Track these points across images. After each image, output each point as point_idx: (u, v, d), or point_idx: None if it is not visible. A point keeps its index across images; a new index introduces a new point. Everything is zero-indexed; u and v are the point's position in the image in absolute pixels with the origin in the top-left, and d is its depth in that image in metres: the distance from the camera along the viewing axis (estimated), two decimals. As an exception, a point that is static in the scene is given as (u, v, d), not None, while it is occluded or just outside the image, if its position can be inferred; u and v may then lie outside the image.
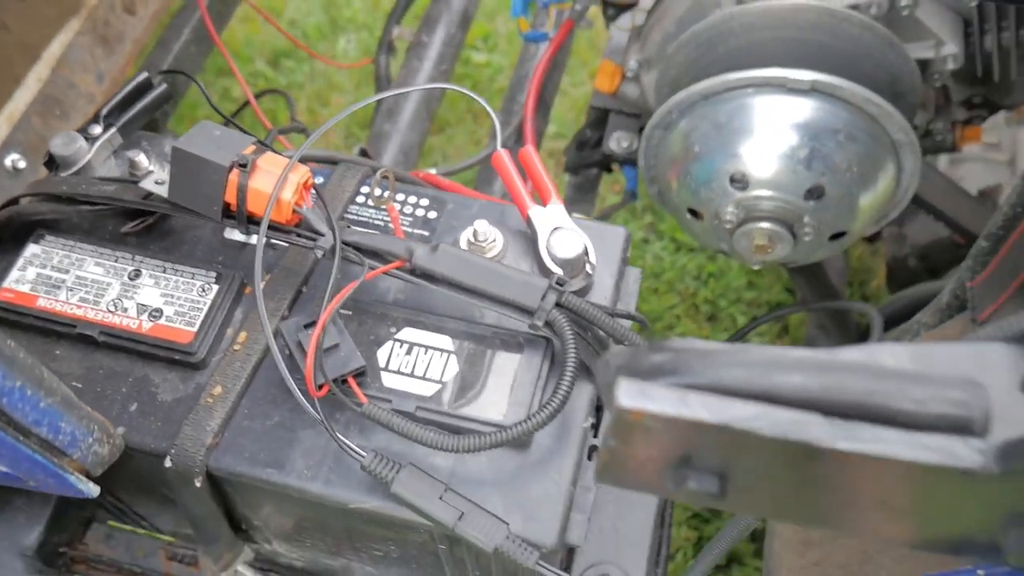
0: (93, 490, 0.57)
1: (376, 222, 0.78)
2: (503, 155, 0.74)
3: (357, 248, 0.69)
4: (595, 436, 0.71)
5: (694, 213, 1.02)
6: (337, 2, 2.46)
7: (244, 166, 0.66)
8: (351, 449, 0.63)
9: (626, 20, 1.23)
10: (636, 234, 2.03)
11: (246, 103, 1.20)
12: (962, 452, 0.34)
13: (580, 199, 1.39)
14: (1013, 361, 0.38)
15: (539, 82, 1.24)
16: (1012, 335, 0.39)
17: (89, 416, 0.54)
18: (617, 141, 1.31)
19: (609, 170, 1.40)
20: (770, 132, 0.94)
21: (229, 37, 2.33)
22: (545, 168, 0.74)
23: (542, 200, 0.73)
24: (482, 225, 0.72)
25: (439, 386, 0.68)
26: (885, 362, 0.39)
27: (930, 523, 0.40)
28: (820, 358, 0.38)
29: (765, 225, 0.96)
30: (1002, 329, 0.40)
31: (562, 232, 0.70)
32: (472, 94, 0.74)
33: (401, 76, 1.39)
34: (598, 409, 0.72)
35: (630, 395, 0.37)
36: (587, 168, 1.39)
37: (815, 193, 0.94)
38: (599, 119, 1.35)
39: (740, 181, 0.96)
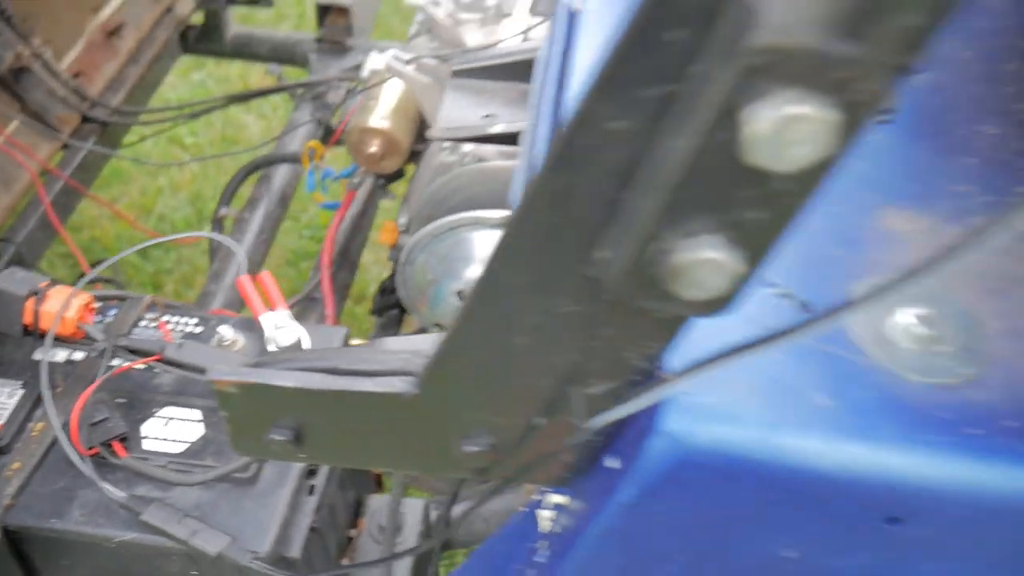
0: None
1: (154, 338, 1.02)
2: (244, 280, 1.00)
3: (127, 349, 0.93)
4: (312, 476, 0.94)
5: (439, 327, 1.30)
6: (203, 196, 2.77)
7: (37, 294, 0.91)
8: (109, 490, 0.84)
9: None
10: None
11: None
12: (396, 384, 0.60)
13: (384, 337, 1.65)
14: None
15: (331, 242, 1.53)
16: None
17: None
18: (408, 285, 1.60)
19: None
20: (480, 256, 1.23)
21: (101, 233, 2.60)
22: (275, 286, 1.00)
23: (272, 308, 0.99)
24: (225, 329, 0.97)
25: (187, 445, 0.91)
26: (384, 345, 0.65)
27: (421, 449, 0.65)
28: (330, 349, 0.64)
29: (488, 330, 1.24)
30: (453, 324, 0.66)
31: (282, 329, 0.96)
32: (221, 238, 1.01)
33: (226, 247, 1.67)
34: (315, 457, 0.95)
35: (214, 373, 0.61)
36: (389, 310, 1.67)
37: (520, 301, 1.22)
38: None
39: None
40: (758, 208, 0.41)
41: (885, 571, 0.59)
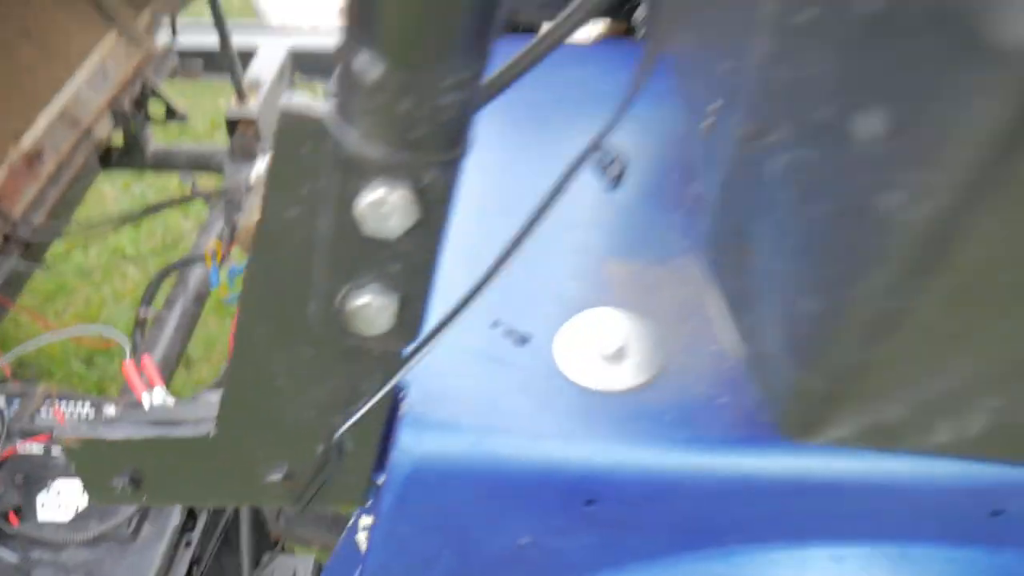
0: None
1: (51, 422, 1.17)
2: (127, 365, 1.15)
3: (23, 433, 1.07)
4: (189, 532, 1.07)
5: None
6: (144, 302, 2.92)
7: (-59, 390, 1.06)
8: (1, 555, 0.98)
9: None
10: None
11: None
12: (201, 428, 0.75)
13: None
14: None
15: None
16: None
17: None
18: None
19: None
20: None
21: (47, 344, 2.74)
22: (156, 370, 1.15)
23: (152, 387, 1.14)
24: (109, 409, 1.12)
25: (76, 512, 1.04)
26: (205, 397, 0.80)
27: (236, 483, 0.79)
28: (161, 407, 0.79)
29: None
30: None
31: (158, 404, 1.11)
32: (110, 331, 1.17)
33: (147, 341, 1.82)
34: (190, 514, 1.09)
35: (59, 432, 0.76)
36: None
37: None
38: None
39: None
40: (392, 263, 0.57)
41: (599, 547, 0.74)
